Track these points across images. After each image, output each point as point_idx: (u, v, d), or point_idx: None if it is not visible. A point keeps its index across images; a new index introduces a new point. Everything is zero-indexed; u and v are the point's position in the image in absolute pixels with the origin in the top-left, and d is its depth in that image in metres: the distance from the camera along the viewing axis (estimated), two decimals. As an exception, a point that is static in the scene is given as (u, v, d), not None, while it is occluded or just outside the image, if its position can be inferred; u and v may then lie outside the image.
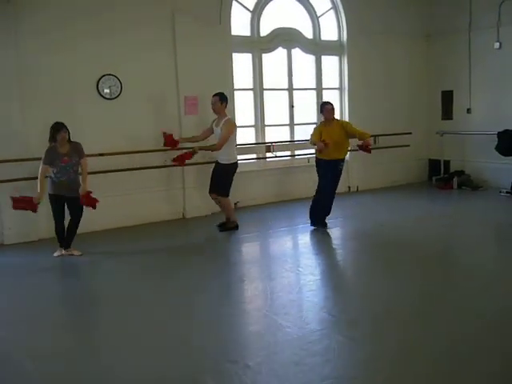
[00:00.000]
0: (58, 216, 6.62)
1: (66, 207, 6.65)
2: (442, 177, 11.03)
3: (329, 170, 7.49)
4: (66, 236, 6.68)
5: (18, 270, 6.25)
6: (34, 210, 6.54)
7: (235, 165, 7.65)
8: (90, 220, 7.02)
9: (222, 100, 7.58)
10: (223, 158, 7.57)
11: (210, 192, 7.72)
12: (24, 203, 6.51)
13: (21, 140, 7.33)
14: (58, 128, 6.38)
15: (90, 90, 7.81)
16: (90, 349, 4.20)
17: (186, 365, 3.77)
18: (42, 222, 7.48)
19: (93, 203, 6.57)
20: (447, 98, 11.33)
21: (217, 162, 7.69)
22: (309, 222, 7.71)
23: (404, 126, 11.03)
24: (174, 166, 8.06)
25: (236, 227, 7.72)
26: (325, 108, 7.54)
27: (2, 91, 7.16)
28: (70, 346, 4.21)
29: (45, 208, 7.50)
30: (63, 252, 6.65)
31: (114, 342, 4.24)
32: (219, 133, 7.47)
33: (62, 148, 6.44)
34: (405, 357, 3.81)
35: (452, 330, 4.19)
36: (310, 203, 7.76)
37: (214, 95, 7.62)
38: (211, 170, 7.84)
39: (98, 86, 7.86)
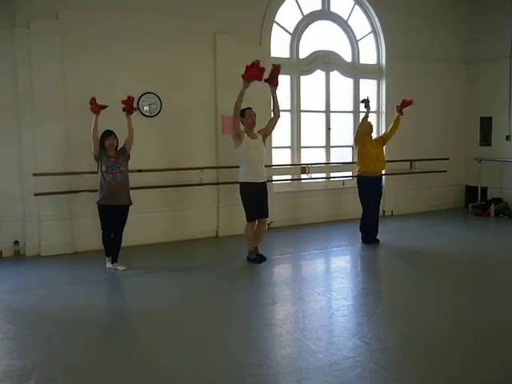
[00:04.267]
0: (107, 226, 6.77)
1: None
2: (478, 204, 10.84)
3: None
4: (116, 251, 6.87)
5: (54, 282, 6.37)
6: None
7: (249, 185, 6.98)
8: (124, 235, 7.08)
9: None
10: (239, 175, 7.14)
11: None
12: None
13: (62, 154, 7.53)
14: (107, 134, 6.72)
15: (130, 107, 7.96)
16: (124, 367, 4.23)
17: (217, 386, 3.77)
18: (79, 235, 7.65)
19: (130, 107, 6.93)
20: (486, 124, 11.19)
21: None
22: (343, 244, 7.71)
23: (441, 151, 10.92)
24: (211, 184, 8.23)
25: (256, 259, 7.12)
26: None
27: (48, 106, 7.40)
28: (104, 362, 4.26)
29: (81, 222, 7.66)
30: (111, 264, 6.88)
31: (146, 361, 4.26)
32: (261, 143, 7.07)
33: (111, 152, 6.73)
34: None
35: (491, 358, 4.09)
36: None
37: (251, 108, 7.21)
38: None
39: (138, 103, 8.01)
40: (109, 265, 6.85)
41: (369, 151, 7.95)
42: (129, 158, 6.87)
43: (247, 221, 7.07)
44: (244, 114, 7.04)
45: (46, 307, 5.51)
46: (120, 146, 6.84)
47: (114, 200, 6.65)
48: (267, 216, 7.21)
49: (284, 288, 6.33)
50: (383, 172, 8.40)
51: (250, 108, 7.14)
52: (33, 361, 4.19)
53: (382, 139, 8.29)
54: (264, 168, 7.15)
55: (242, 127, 7.09)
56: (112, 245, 6.82)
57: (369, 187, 8.04)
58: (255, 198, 6.97)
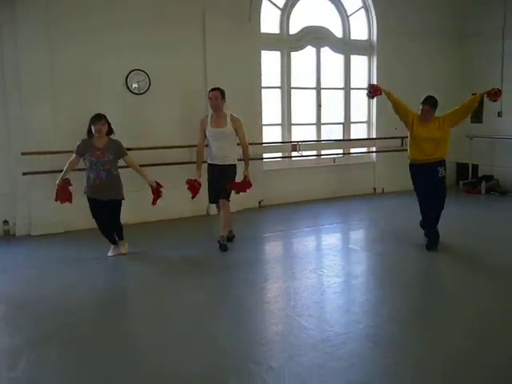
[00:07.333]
0: (98, 218, 6.23)
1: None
2: (469, 181, 10.86)
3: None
4: (117, 233, 6.45)
5: (44, 262, 6.33)
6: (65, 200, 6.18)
7: (209, 167, 6.77)
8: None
9: (223, 95, 6.60)
10: None
11: None
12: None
13: (49, 133, 7.43)
14: (94, 119, 5.96)
15: (119, 84, 7.87)
16: (115, 345, 4.22)
17: (210, 364, 3.76)
18: (69, 214, 7.57)
19: (158, 194, 6.32)
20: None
21: None
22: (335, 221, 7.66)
23: (432, 128, 10.88)
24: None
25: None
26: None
27: (34, 86, 7.30)
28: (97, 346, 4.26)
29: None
30: (115, 251, 6.42)
31: (137, 341, 4.26)
32: (228, 133, 6.57)
33: (98, 142, 6.01)
34: (431, 363, 3.73)
35: (482, 336, 4.12)
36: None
37: (213, 89, 6.60)
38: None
39: (126, 80, 7.91)
40: (110, 253, 6.42)
41: (416, 135, 6.56)
42: (119, 158, 6.22)
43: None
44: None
45: (36, 286, 5.49)
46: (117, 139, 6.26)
47: (99, 196, 6.09)
48: (223, 198, 6.65)
49: (275, 265, 6.33)
50: (440, 158, 6.57)
51: (212, 89, 6.64)
52: (24, 339, 4.19)
53: (448, 119, 6.50)
54: (227, 152, 6.60)
55: (208, 116, 6.72)
56: (109, 231, 6.40)
57: (415, 175, 6.72)
58: (212, 179, 6.67)
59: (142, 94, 8.03)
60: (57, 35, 7.39)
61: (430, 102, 6.43)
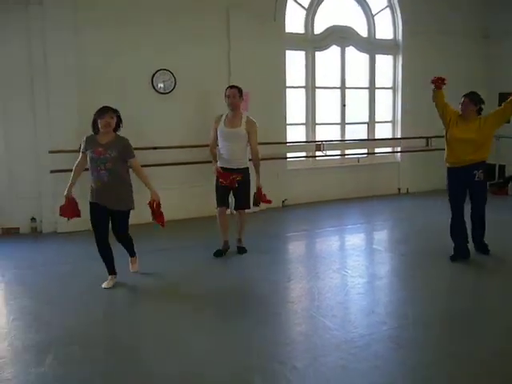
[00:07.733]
0: (97, 228, 5.32)
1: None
2: (496, 182, 10.71)
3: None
4: (126, 248, 5.73)
5: (71, 258, 6.43)
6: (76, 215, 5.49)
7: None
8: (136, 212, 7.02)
9: (241, 94, 6.27)
10: None
11: None
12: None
13: (76, 132, 7.51)
14: (101, 112, 5.17)
15: (144, 84, 7.94)
16: (138, 339, 4.27)
17: (234, 364, 3.78)
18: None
19: (160, 219, 5.44)
20: (505, 100, 10.93)
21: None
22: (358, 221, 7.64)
23: (458, 128, 10.77)
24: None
25: (216, 252, 6.41)
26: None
27: (61, 85, 7.43)
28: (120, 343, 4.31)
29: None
30: (111, 282, 5.42)
31: (163, 341, 4.27)
32: (241, 135, 6.19)
33: (103, 137, 5.18)
34: (455, 365, 3.71)
35: (507, 338, 4.08)
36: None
37: (232, 87, 6.29)
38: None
39: (152, 80, 7.97)
40: (105, 285, 5.37)
41: (450, 134, 6.18)
42: (125, 158, 5.26)
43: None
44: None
45: (63, 283, 5.58)
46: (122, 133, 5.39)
47: (102, 201, 5.25)
48: (241, 208, 6.41)
49: (298, 265, 6.34)
50: (476, 160, 6.04)
51: (230, 87, 6.34)
52: (52, 335, 4.26)
53: (491, 120, 6.25)
54: (238, 156, 6.23)
55: (223, 115, 6.35)
56: (108, 253, 5.47)
57: (451, 179, 6.19)
58: (222, 183, 6.23)
59: (167, 93, 8.10)
60: (83, 34, 7.49)
61: (470, 96, 6.14)
